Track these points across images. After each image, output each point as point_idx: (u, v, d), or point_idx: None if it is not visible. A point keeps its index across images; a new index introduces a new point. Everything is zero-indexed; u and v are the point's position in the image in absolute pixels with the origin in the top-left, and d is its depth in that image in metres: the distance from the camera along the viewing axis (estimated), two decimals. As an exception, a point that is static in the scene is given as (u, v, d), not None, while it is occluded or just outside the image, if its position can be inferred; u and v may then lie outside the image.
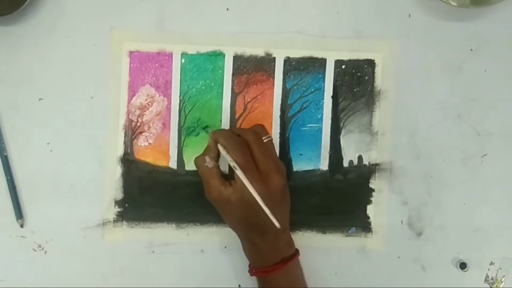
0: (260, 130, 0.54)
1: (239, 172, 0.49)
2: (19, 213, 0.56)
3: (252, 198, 0.48)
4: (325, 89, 0.57)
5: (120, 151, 0.56)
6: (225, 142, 0.51)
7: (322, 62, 0.57)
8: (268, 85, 0.57)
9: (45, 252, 0.56)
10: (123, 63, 0.56)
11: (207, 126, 0.56)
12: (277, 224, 0.48)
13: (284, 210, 0.53)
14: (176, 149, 0.57)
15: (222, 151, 0.50)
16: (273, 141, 0.55)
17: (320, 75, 0.57)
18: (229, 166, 0.50)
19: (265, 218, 0.49)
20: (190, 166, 0.56)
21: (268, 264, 0.52)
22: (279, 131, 0.57)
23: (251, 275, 0.54)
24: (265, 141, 0.52)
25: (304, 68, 0.57)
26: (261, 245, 0.51)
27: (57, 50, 0.56)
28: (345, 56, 0.57)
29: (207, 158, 0.51)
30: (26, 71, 0.56)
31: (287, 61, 0.57)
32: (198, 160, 0.52)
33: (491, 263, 0.58)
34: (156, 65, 0.56)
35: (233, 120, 0.57)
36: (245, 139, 0.51)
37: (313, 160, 0.57)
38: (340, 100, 0.57)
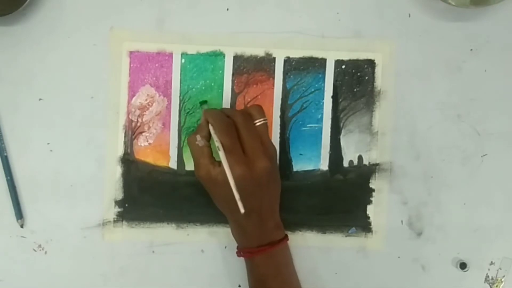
0: (256, 112, 0.52)
1: (221, 153, 0.49)
2: (19, 213, 0.55)
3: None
4: (325, 89, 0.57)
5: (120, 151, 0.56)
6: (213, 122, 0.51)
7: (322, 62, 0.57)
8: (268, 85, 0.57)
9: (45, 252, 0.56)
10: (123, 63, 0.56)
11: (205, 102, 0.56)
12: (242, 209, 0.48)
13: (271, 194, 0.53)
14: (176, 149, 0.57)
15: (211, 131, 0.51)
16: (273, 141, 0.56)
17: (320, 75, 0.57)
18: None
19: (262, 205, 0.50)
20: (190, 166, 0.56)
21: (255, 245, 0.52)
22: (279, 131, 0.57)
23: (238, 256, 0.54)
24: (258, 124, 0.52)
25: (304, 68, 0.57)
26: (247, 226, 0.51)
27: (57, 50, 0.56)
28: (345, 56, 0.57)
29: (198, 137, 0.51)
30: (26, 71, 0.56)
31: (287, 61, 0.57)
32: (190, 138, 0.52)
33: (491, 263, 0.58)
34: (156, 65, 0.56)
35: (233, 120, 0.57)
36: (233, 121, 0.51)
37: (313, 160, 0.57)
38: (340, 100, 0.57)
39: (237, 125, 0.51)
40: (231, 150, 0.49)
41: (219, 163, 0.50)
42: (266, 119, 0.53)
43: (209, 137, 0.52)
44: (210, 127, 0.51)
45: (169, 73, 0.56)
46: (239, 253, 0.54)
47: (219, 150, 0.49)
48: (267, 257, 0.52)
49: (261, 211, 0.51)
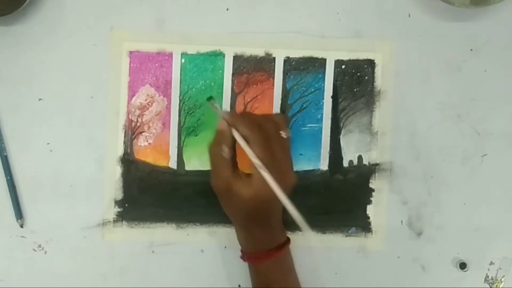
0: (283, 122, 0.50)
1: (264, 173, 0.45)
2: (19, 213, 0.55)
3: (270, 197, 0.46)
4: (325, 89, 0.57)
5: (120, 151, 0.56)
6: (249, 133, 0.46)
7: (322, 62, 0.57)
8: (268, 85, 0.57)
9: (45, 252, 0.56)
10: (123, 63, 0.56)
11: (211, 97, 0.52)
12: (308, 229, 0.45)
13: None
14: (176, 149, 0.57)
15: (242, 143, 0.46)
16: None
17: (320, 75, 0.57)
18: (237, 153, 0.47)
19: (276, 216, 0.50)
20: (190, 166, 0.56)
21: (262, 250, 0.51)
22: (279, 131, 0.57)
23: (244, 260, 0.53)
24: (285, 136, 0.49)
25: (304, 68, 0.57)
26: (258, 235, 0.51)
27: (57, 50, 0.56)
28: (345, 56, 0.57)
29: (225, 148, 0.47)
30: (26, 71, 0.56)
31: (287, 61, 0.57)
32: (213, 148, 0.48)
33: (491, 263, 0.58)
34: (156, 65, 0.56)
35: (233, 120, 0.57)
36: (266, 130, 0.47)
37: (313, 160, 0.57)
38: (340, 100, 0.57)
39: (269, 136, 0.47)
40: (270, 167, 0.46)
41: (240, 175, 0.48)
42: (290, 132, 0.50)
43: (234, 146, 0.48)
44: (238, 138, 0.47)
45: (169, 73, 0.56)
46: (244, 258, 0.53)
47: (259, 168, 0.45)
48: (273, 261, 0.51)
49: (278, 221, 0.50)
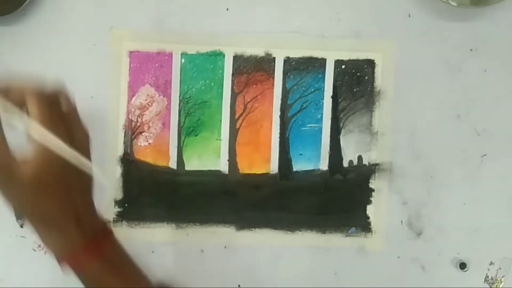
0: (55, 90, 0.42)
1: (41, 132, 0.38)
2: (19, 213, 0.55)
3: (58, 161, 0.39)
4: (325, 89, 0.57)
5: (120, 151, 0.56)
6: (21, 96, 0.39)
7: (322, 62, 0.57)
8: (268, 85, 0.57)
9: (45, 252, 0.56)
10: (123, 63, 0.56)
11: None
12: (106, 182, 0.40)
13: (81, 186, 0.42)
14: (176, 149, 0.57)
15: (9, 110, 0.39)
16: (273, 141, 0.56)
17: (320, 75, 0.57)
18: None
19: (77, 193, 0.41)
20: (190, 166, 0.56)
21: (77, 246, 0.41)
22: (279, 131, 0.57)
23: (62, 269, 0.43)
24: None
25: (304, 68, 0.57)
26: (62, 224, 0.41)
27: (57, 50, 0.56)
28: (345, 56, 0.57)
29: None
30: (26, 71, 0.56)
31: (287, 61, 0.57)
32: None
33: (491, 263, 0.58)
34: (156, 65, 0.56)
35: (233, 120, 0.57)
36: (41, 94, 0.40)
37: (313, 160, 0.57)
38: (340, 100, 0.57)
39: (41, 96, 0.40)
40: (51, 126, 0.39)
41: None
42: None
43: None
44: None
45: (169, 73, 0.56)
46: (62, 263, 0.43)
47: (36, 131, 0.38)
48: (96, 259, 0.42)
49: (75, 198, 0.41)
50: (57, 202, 0.40)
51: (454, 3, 0.54)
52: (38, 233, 0.42)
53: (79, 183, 0.42)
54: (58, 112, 0.41)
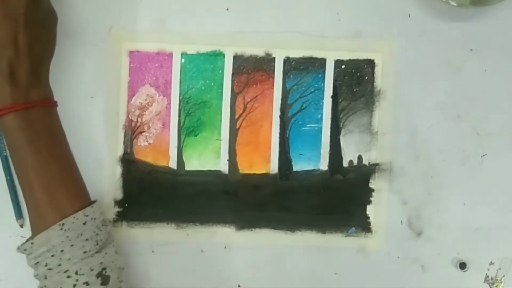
0: None
1: None
2: (19, 213, 0.56)
3: None
4: (325, 89, 0.57)
5: (120, 151, 0.56)
6: None
7: (322, 62, 0.57)
8: (268, 85, 0.57)
9: (45, 252, 0.56)
10: (123, 63, 0.56)
11: None
12: None
13: (32, 40, 0.46)
14: (176, 149, 0.57)
15: None
16: (273, 141, 0.56)
17: (320, 75, 0.57)
18: None
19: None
20: (190, 166, 0.56)
21: (7, 103, 0.44)
22: (279, 131, 0.57)
23: None
24: None
25: (304, 68, 0.57)
26: None
27: (57, 50, 0.56)
28: (345, 56, 0.57)
29: None
30: (26, 71, 0.56)
31: (287, 61, 0.57)
32: None
33: (491, 263, 0.58)
34: (156, 65, 0.56)
35: (233, 120, 0.57)
36: None
37: (313, 160, 0.57)
38: (340, 100, 0.57)
39: None
40: None
41: None
42: None
43: None
44: None
45: (169, 73, 0.56)
46: None
47: None
48: (21, 118, 0.43)
49: (16, 57, 0.43)
50: None
51: (454, 3, 0.54)
52: None
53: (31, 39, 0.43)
54: None
